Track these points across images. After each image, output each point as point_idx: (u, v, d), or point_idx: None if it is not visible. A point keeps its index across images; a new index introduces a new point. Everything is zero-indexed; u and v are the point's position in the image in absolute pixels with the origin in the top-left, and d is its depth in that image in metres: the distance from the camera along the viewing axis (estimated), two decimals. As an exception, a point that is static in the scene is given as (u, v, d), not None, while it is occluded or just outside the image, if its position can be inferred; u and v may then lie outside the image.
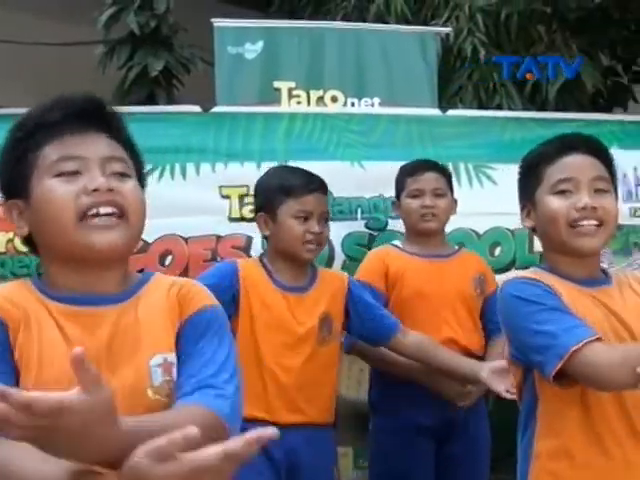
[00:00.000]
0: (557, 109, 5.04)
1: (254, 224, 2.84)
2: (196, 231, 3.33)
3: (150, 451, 1.05)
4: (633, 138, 3.72)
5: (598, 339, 1.76)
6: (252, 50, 4.42)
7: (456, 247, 3.29)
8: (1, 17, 6.11)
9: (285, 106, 4.28)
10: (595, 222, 1.90)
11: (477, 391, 2.98)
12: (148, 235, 3.12)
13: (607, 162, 1.99)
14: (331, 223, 2.80)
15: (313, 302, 2.68)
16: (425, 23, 5.34)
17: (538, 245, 2.50)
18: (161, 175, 3.34)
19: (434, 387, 2.97)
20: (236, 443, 1.04)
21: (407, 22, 5.33)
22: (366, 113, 4.05)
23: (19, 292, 1.45)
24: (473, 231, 3.54)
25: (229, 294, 2.54)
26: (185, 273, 3.18)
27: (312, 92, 4.38)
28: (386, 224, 3.50)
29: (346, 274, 2.89)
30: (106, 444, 1.10)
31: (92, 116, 1.45)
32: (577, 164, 1.94)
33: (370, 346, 2.94)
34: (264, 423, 2.50)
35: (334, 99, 4.38)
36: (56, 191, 1.40)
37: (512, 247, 3.58)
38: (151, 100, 5.51)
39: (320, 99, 4.36)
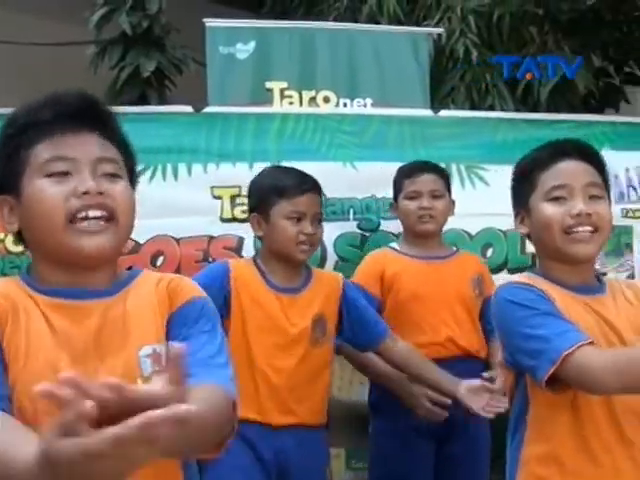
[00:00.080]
0: (549, 110, 5.04)
1: (246, 225, 2.83)
2: (188, 232, 3.32)
3: (53, 425, 0.98)
4: (625, 139, 3.73)
5: (590, 343, 1.76)
6: (244, 50, 4.42)
7: (454, 248, 3.29)
8: (-8, 17, 6.10)
9: (277, 106, 4.28)
10: (590, 228, 1.90)
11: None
12: (139, 236, 3.13)
13: (600, 167, 1.99)
14: (323, 224, 2.80)
15: (306, 303, 2.67)
16: (417, 24, 5.34)
17: (530, 246, 2.50)
18: (153, 175, 3.33)
19: (407, 401, 2.97)
20: (156, 414, 0.93)
21: (399, 23, 5.33)
22: (358, 114, 4.04)
23: (7, 286, 1.47)
24: (465, 232, 3.54)
25: (220, 295, 2.53)
26: (177, 274, 3.16)
27: (304, 92, 4.37)
28: (378, 225, 3.50)
29: (341, 275, 2.88)
30: None
31: (85, 114, 1.45)
32: (571, 170, 1.94)
33: (357, 350, 2.94)
34: (255, 424, 2.50)
35: (326, 100, 4.37)
36: (46, 192, 1.40)
37: (504, 248, 3.58)
38: (143, 100, 5.50)
39: (312, 99, 4.36)
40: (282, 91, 4.36)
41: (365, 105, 4.38)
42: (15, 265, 3.11)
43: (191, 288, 1.53)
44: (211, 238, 3.35)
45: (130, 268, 1.56)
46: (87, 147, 1.43)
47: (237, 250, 3.34)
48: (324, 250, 3.38)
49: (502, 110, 4.99)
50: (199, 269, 2.91)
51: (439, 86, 5.15)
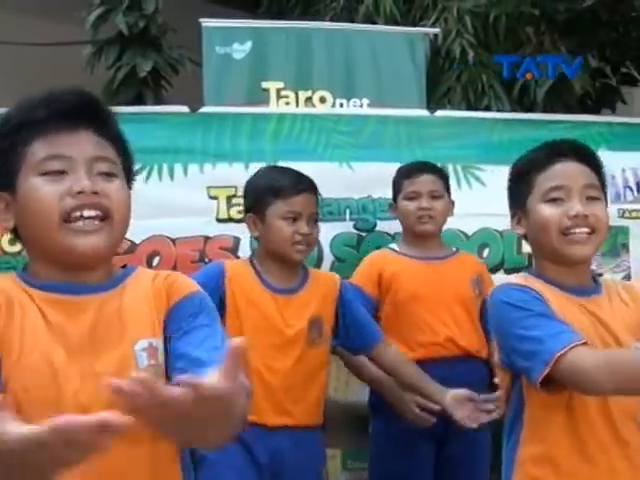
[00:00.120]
0: (545, 111, 5.04)
1: (242, 225, 2.83)
2: (184, 232, 3.32)
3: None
4: (621, 140, 3.73)
5: (584, 343, 1.76)
6: (240, 50, 4.41)
7: (454, 249, 3.30)
8: (-12, 17, 6.09)
9: (273, 106, 4.27)
10: (587, 230, 1.90)
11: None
12: (135, 236, 3.13)
13: (597, 169, 1.99)
14: (320, 224, 2.79)
15: (303, 304, 2.67)
16: (414, 24, 5.33)
17: (526, 246, 2.50)
18: (149, 176, 3.32)
19: (396, 406, 2.97)
20: (78, 420, 0.97)
21: (396, 23, 5.33)
22: (355, 114, 4.04)
23: (2, 281, 1.48)
24: (462, 232, 3.54)
25: (216, 296, 2.51)
26: (173, 273, 3.17)
27: (301, 93, 4.37)
28: (375, 225, 3.50)
29: (338, 277, 2.88)
30: None
31: (81, 113, 1.45)
32: (568, 171, 1.94)
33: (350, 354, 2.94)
34: (251, 425, 2.49)
35: (323, 100, 4.37)
36: (41, 190, 1.41)
37: (500, 248, 3.58)
38: (139, 100, 5.49)
39: (309, 100, 4.35)
40: (278, 91, 4.36)
41: (361, 105, 4.38)
42: (11, 265, 3.10)
43: (188, 283, 1.54)
44: (207, 238, 3.35)
45: (124, 267, 1.56)
46: (83, 146, 1.43)
47: (233, 250, 3.33)
48: (320, 250, 3.38)
49: (498, 110, 4.98)
50: (195, 269, 2.91)
51: (435, 86, 5.15)
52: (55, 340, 1.39)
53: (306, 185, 2.70)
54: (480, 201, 3.49)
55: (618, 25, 5.73)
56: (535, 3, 5.34)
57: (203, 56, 4.46)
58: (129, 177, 1.53)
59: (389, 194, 3.31)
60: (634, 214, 3.71)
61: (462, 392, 2.66)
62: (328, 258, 3.43)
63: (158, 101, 5.50)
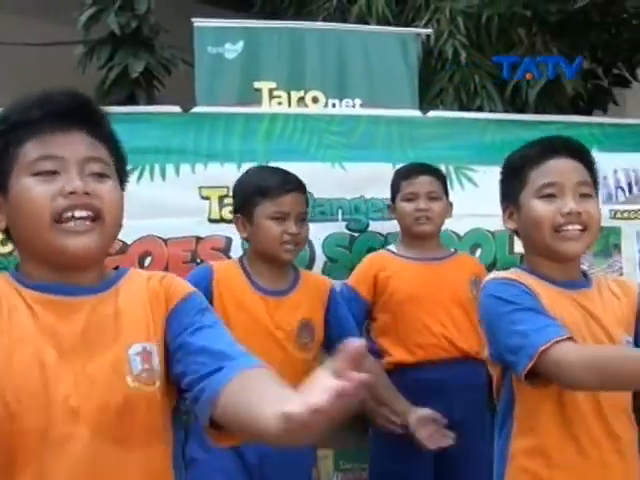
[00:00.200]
0: (537, 111, 5.05)
1: (234, 225, 2.82)
2: (175, 232, 3.31)
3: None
4: (613, 141, 3.74)
5: (569, 338, 1.76)
6: (232, 50, 4.41)
7: (452, 250, 3.30)
8: (-20, 17, 6.07)
9: (266, 107, 4.27)
10: (579, 227, 1.92)
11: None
12: (127, 236, 3.11)
13: (589, 166, 2.00)
14: (312, 224, 2.79)
15: (293, 306, 2.66)
16: (406, 25, 5.33)
17: (519, 246, 2.50)
18: (140, 176, 3.31)
19: (368, 412, 2.96)
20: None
21: (388, 24, 5.32)
22: (347, 114, 4.03)
23: None
24: (454, 232, 3.54)
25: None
26: (165, 274, 3.16)
27: (293, 93, 4.36)
28: (367, 225, 3.50)
29: (330, 280, 2.88)
30: None
31: (75, 113, 1.45)
32: (561, 168, 1.95)
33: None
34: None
35: (315, 100, 4.37)
36: (33, 191, 1.40)
37: (492, 249, 3.59)
38: (131, 100, 5.48)
39: (301, 100, 4.35)
40: (271, 91, 4.35)
41: (354, 105, 4.37)
42: (3, 266, 3.09)
43: (185, 284, 1.56)
44: (199, 239, 3.33)
45: (117, 268, 1.56)
46: (75, 146, 1.43)
47: (225, 251, 3.33)
48: (312, 251, 3.38)
49: (491, 111, 4.98)
50: (187, 270, 2.90)
51: (428, 87, 5.15)
52: (46, 340, 1.39)
53: (294, 185, 2.69)
54: (472, 202, 3.50)
55: (610, 26, 5.74)
56: (527, 4, 5.34)
57: (195, 56, 4.45)
58: (122, 178, 1.53)
59: (381, 194, 3.31)
60: (626, 215, 3.72)
61: (427, 413, 2.76)
62: (320, 258, 3.42)
63: (150, 101, 5.49)
